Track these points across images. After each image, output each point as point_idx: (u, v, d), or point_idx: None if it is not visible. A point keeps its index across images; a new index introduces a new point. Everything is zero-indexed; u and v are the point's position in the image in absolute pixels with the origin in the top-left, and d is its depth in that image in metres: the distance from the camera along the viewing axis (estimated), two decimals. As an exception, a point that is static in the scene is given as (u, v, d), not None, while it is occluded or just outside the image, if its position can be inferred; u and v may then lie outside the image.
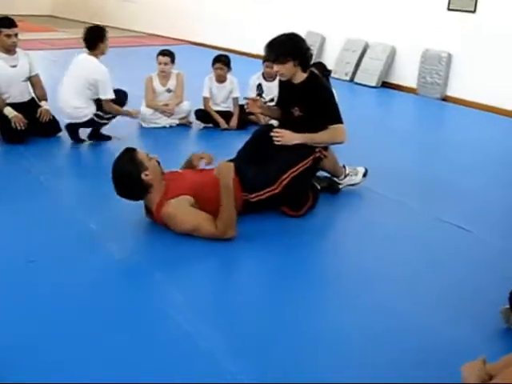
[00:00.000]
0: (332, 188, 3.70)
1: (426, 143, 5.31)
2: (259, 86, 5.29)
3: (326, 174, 3.76)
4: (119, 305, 2.39)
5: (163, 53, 5.19)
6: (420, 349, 2.17)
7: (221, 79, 5.28)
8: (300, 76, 3.35)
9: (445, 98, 7.32)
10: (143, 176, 2.93)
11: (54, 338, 2.14)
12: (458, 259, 2.96)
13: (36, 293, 2.44)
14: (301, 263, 2.86)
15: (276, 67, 3.33)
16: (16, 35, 4.48)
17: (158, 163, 3.05)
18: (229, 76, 5.31)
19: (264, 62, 5.19)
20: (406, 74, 7.79)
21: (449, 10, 7.13)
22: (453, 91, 7.27)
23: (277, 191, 3.18)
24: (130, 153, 2.99)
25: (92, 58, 4.51)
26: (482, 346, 2.17)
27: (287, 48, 3.28)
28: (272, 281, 2.71)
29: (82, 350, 2.08)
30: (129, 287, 2.56)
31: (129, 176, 2.93)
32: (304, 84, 3.36)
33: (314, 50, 8.91)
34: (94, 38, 4.56)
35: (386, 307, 2.44)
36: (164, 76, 5.21)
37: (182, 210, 2.90)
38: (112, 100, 4.47)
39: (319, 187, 3.56)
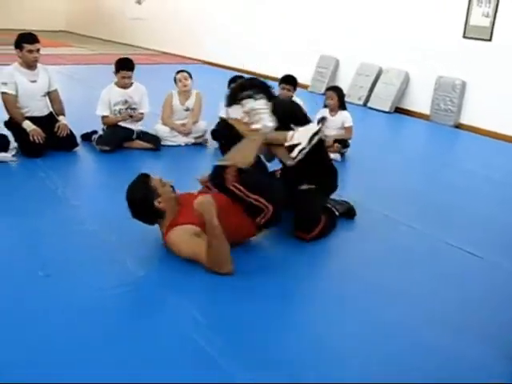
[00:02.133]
0: (349, 213, 3.68)
1: (438, 169, 5.30)
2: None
3: (343, 198, 3.76)
4: (135, 322, 2.37)
5: (183, 71, 5.29)
6: (437, 367, 2.19)
7: (237, 100, 5.30)
8: None
9: (458, 126, 7.32)
10: (156, 203, 2.93)
11: (68, 354, 2.11)
12: (470, 283, 2.97)
13: (50, 308, 2.42)
14: (317, 284, 2.86)
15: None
16: (38, 51, 4.52)
17: (173, 188, 3.03)
18: (245, 97, 5.33)
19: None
20: (420, 100, 7.81)
21: (464, 37, 7.16)
22: (466, 119, 7.28)
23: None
24: (143, 179, 2.99)
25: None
26: (497, 367, 2.21)
27: None
28: (291, 301, 2.68)
29: (95, 367, 2.05)
30: (145, 305, 2.54)
31: (142, 203, 2.94)
32: None
33: (328, 74, 9.00)
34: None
35: (401, 327, 2.45)
36: (185, 94, 5.25)
37: (182, 239, 2.86)
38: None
39: (337, 213, 3.55)
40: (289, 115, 3.32)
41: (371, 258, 3.18)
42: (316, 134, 3.20)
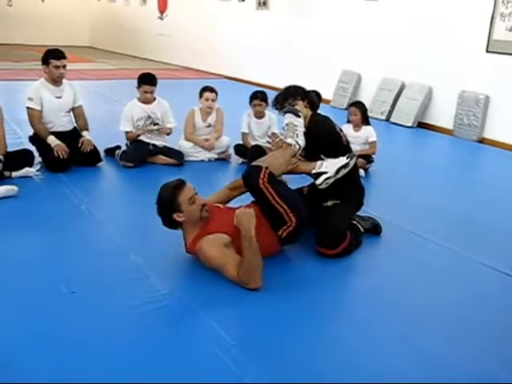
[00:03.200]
0: (375, 230, 3.63)
1: (463, 184, 5.24)
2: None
3: (370, 215, 3.72)
4: (161, 341, 2.34)
5: (210, 89, 5.23)
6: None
7: (260, 115, 5.30)
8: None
9: (481, 141, 7.23)
10: (175, 216, 2.93)
11: (93, 373, 2.10)
12: (502, 305, 2.89)
13: (74, 326, 2.40)
14: (342, 302, 2.84)
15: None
16: (64, 67, 4.58)
17: (203, 207, 2.98)
18: (267, 112, 5.32)
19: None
20: (443, 115, 7.74)
21: (487, 51, 7.10)
22: (490, 134, 7.18)
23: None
24: (176, 187, 2.96)
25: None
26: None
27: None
28: (317, 320, 2.63)
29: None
30: (171, 323, 2.51)
31: (163, 208, 2.95)
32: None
33: (350, 89, 8.98)
34: None
35: (426, 347, 2.38)
36: (208, 112, 5.25)
37: (213, 249, 2.86)
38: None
39: (363, 230, 3.50)
40: (321, 140, 3.38)
41: (397, 276, 3.13)
42: (344, 167, 3.28)
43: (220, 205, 3.26)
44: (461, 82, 7.40)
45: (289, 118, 3.31)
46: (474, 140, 7.21)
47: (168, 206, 2.92)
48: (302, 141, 3.25)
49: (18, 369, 2.10)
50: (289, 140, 3.24)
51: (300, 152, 3.29)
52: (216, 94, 5.23)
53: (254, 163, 3.24)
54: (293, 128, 3.25)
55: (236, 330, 2.46)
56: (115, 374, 2.10)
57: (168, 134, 5.12)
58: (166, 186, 2.99)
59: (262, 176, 3.05)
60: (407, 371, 2.25)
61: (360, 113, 5.15)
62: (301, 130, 3.27)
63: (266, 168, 3.10)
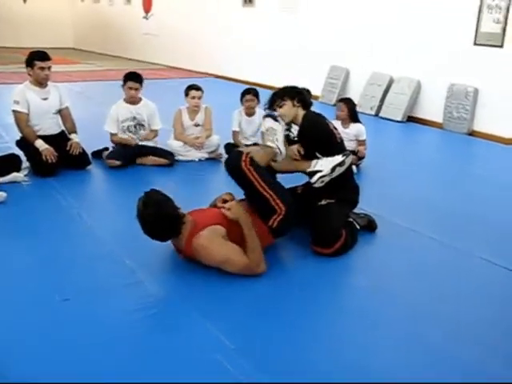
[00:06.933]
0: (370, 226, 3.60)
1: (454, 177, 5.22)
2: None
3: (364, 212, 3.69)
4: (156, 345, 2.29)
5: (196, 87, 5.17)
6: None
7: (251, 112, 5.25)
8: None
9: (471, 133, 7.23)
10: (180, 210, 2.90)
11: (89, 379, 2.05)
12: (498, 297, 2.88)
13: (68, 333, 2.35)
14: (341, 300, 2.81)
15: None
16: (49, 68, 4.50)
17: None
18: (258, 110, 5.28)
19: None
20: (432, 108, 7.74)
21: (475, 44, 7.09)
22: (479, 126, 7.19)
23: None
24: (156, 192, 2.92)
25: None
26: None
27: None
28: (312, 319, 2.59)
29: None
30: (166, 327, 2.46)
31: (169, 215, 2.84)
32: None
33: (339, 84, 8.95)
34: None
35: (425, 342, 2.35)
36: (195, 110, 5.19)
37: (213, 241, 2.82)
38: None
39: (358, 227, 3.47)
40: (315, 140, 3.38)
41: (394, 272, 3.10)
42: (340, 165, 3.27)
43: (202, 207, 3.24)
44: (449, 75, 7.39)
45: (268, 122, 3.36)
46: (464, 133, 7.21)
47: (173, 208, 2.88)
48: (282, 146, 3.29)
49: (11, 376, 2.04)
50: (269, 143, 3.27)
51: (280, 157, 3.29)
52: (202, 92, 5.17)
53: (237, 149, 3.31)
54: (272, 132, 3.29)
55: (234, 333, 2.41)
56: (112, 380, 2.04)
57: (152, 138, 5.08)
58: (155, 201, 2.86)
59: (243, 158, 3.03)
60: (407, 368, 2.22)
61: (347, 109, 5.10)
62: (280, 134, 3.31)
63: (248, 153, 3.09)
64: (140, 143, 4.97)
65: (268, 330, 2.45)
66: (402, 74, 8.03)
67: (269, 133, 3.30)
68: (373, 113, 8.22)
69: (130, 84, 4.89)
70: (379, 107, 8.23)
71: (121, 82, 4.99)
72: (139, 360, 2.19)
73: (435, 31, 7.49)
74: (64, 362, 2.16)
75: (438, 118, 7.64)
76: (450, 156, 6.42)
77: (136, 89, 4.91)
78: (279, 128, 3.33)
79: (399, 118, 7.86)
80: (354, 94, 7.97)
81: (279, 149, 3.25)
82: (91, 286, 2.76)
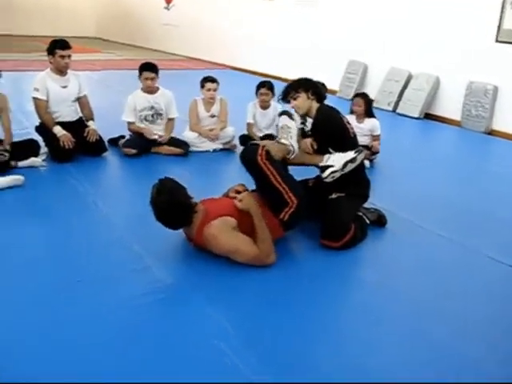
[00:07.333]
0: (380, 221, 3.61)
1: (471, 176, 5.19)
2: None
3: (375, 206, 3.70)
4: (162, 331, 2.34)
5: (211, 79, 5.21)
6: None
7: (265, 105, 5.27)
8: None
9: (490, 132, 7.17)
10: (192, 200, 2.94)
11: (95, 362, 2.11)
12: (506, 296, 2.88)
13: (77, 315, 2.41)
14: (348, 294, 2.83)
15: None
16: (69, 57, 4.57)
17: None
18: (272, 103, 5.30)
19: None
20: (450, 106, 7.68)
21: (497, 41, 7.02)
22: (499, 125, 7.12)
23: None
24: (170, 180, 2.98)
25: None
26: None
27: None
28: (319, 312, 2.61)
29: (125, 374, 2.04)
30: (172, 313, 2.50)
31: (182, 203, 2.90)
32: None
33: (357, 79, 8.92)
34: None
35: (430, 339, 2.36)
36: (210, 102, 5.23)
37: (224, 232, 2.87)
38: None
39: (368, 221, 3.49)
40: (328, 134, 3.39)
41: (403, 268, 3.11)
42: (351, 161, 3.29)
43: (214, 197, 3.28)
44: (469, 72, 7.33)
45: (283, 120, 3.40)
46: (482, 131, 7.15)
47: (186, 195, 2.93)
48: (295, 144, 3.32)
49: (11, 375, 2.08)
50: (283, 140, 3.29)
51: (293, 155, 3.30)
52: (217, 83, 5.21)
53: (253, 142, 3.33)
54: (287, 130, 3.32)
55: (239, 322, 2.45)
56: (117, 364, 2.10)
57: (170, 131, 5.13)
58: (168, 188, 2.92)
59: (259, 152, 3.05)
60: (413, 363, 2.24)
61: (364, 104, 5.09)
62: (294, 133, 3.35)
63: (264, 146, 3.11)
64: (155, 137, 5.00)
65: (276, 320, 2.48)
66: (421, 70, 7.98)
67: (283, 130, 3.33)
68: (390, 108, 8.18)
69: (146, 74, 4.95)
70: (397, 103, 8.19)
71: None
72: (143, 344, 2.24)
73: (456, 28, 7.42)
74: (69, 344, 2.21)
75: (455, 115, 7.58)
76: (467, 154, 6.37)
77: (152, 78, 4.96)
78: (294, 126, 3.37)
79: (417, 115, 7.82)
80: (371, 90, 7.95)
81: (293, 147, 3.28)
82: (100, 270, 2.82)
